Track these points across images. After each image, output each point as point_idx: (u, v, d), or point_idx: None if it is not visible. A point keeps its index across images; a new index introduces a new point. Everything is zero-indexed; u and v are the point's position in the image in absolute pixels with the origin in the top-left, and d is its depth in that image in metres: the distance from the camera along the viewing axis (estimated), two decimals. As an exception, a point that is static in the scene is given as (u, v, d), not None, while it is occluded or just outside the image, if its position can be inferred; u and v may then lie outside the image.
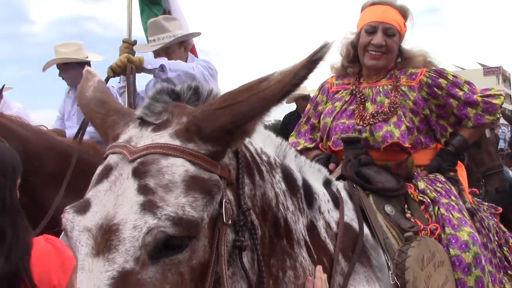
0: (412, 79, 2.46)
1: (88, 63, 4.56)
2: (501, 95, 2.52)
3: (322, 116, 2.56)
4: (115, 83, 4.43)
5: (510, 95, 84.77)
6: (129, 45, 3.87)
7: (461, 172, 2.64)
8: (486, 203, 2.90)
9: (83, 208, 1.16)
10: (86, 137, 4.02)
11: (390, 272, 1.86)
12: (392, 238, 2.00)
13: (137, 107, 4.00)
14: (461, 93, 2.44)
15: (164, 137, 1.20)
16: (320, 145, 2.59)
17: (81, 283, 1.09)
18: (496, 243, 2.54)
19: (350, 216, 1.91)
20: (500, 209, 2.99)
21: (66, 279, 1.81)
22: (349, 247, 1.79)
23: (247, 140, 1.40)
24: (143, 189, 1.12)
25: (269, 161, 1.52)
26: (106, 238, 1.08)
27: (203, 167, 1.18)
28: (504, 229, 2.75)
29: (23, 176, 2.67)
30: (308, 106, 2.75)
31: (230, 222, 1.20)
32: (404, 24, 2.53)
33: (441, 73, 2.47)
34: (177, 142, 1.19)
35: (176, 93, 1.33)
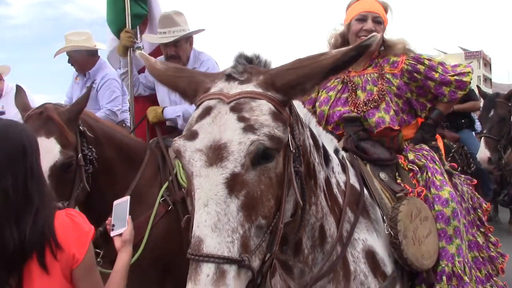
0: (395, 67, 2.84)
1: (96, 52, 4.92)
2: (469, 72, 2.96)
3: (317, 104, 2.94)
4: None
5: (491, 79, 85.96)
6: (131, 34, 4.26)
7: (438, 142, 3.10)
8: (463, 176, 3.35)
9: (192, 136, 1.55)
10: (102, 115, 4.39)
11: (385, 224, 2.29)
12: (386, 198, 2.43)
13: (135, 90, 4.38)
14: (436, 75, 2.85)
15: (250, 87, 1.61)
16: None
17: (200, 185, 1.48)
18: (471, 205, 2.99)
19: (353, 179, 2.31)
20: (475, 181, 3.46)
21: (83, 251, 1.98)
22: (353, 203, 2.20)
23: None
24: (242, 119, 1.52)
25: (302, 120, 1.90)
26: (217, 153, 1.48)
27: (278, 108, 1.60)
28: (478, 196, 3.20)
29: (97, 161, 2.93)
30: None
31: (294, 149, 1.64)
32: (385, 17, 2.92)
33: (418, 60, 2.87)
34: (260, 90, 1.60)
35: (249, 58, 1.73)
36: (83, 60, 4.88)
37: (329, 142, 2.27)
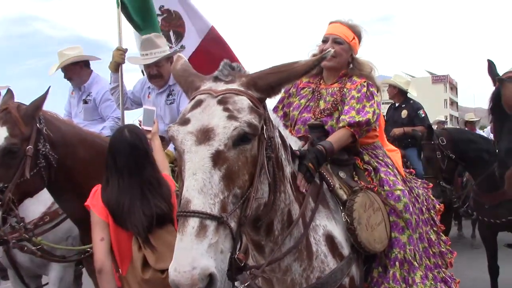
0: (353, 84, 3.13)
1: (89, 63, 5.22)
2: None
3: (291, 108, 3.28)
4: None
5: (457, 103, 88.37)
6: (122, 52, 4.61)
7: (396, 154, 3.46)
8: (420, 180, 3.71)
9: (185, 122, 1.90)
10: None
11: (342, 213, 2.64)
12: (344, 193, 2.76)
13: (124, 103, 4.71)
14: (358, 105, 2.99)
15: (234, 86, 1.99)
16: (289, 129, 3.26)
17: (190, 159, 1.82)
18: (425, 207, 3.33)
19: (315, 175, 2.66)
20: (431, 185, 3.83)
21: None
22: (315, 194, 2.56)
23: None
24: (227, 109, 1.88)
25: (273, 122, 2.25)
26: (205, 135, 1.83)
27: (255, 104, 1.97)
28: (433, 198, 3.56)
29: (61, 161, 3.35)
30: (283, 94, 3.36)
31: (266, 139, 2.00)
32: (354, 38, 3.21)
33: (368, 85, 3.06)
34: (242, 89, 1.99)
35: (232, 66, 2.10)
36: (80, 73, 5.15)
37: (294, 143, 2.62)
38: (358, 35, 3.26)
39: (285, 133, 2.49)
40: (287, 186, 2.29)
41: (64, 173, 3.39)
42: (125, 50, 4.66)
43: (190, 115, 1.92)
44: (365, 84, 3.08)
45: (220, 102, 1.92)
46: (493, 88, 3.57)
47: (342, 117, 2.96)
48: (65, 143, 3.41)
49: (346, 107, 3.00)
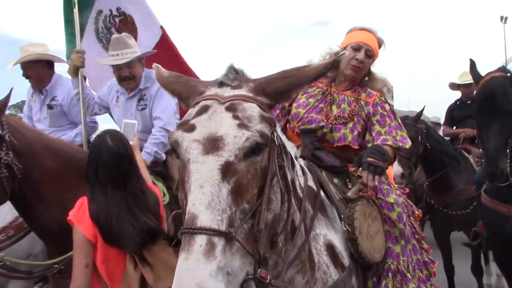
0: (370, 97, 3.08)
1: (53, 64, 4.78)
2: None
3: (295, 104, 3.12)
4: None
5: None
6: (81, 55, 4.28)
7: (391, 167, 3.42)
8: (397, 185, 3.69)
9: (190, 129, 1.73)
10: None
11: (342, 222, 2.55)
12: (340, 201, 2.69)
13: (90, 109, 4.44)
14: (393, 123, 3.09)
15: (242, 92, 1.84)
16: (287, 125, 3.18)
17: (197, 169, 1.65)
18: (406, 214, 3.29)
19: (311, 182, 2.55)
20: (407, 190, 3.82)
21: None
22: (312, 201, 2.45)
23: None
24: (236, 117, 1.72)
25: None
26: (213, 144, 1.66)
27: (266, 111, 1.83)
28: (411, 204, 3.50)
29: (27, 171, 3.06)
30: None
31: (277, 146, 1.88)
32: (377, 52, 3.14)
33: (386, 101, 3.12)
34: (251, 95, 1.84)
35: (237, 70, 1.96)
36: (42, 73, 4.67)
37: (290, 148, 2.50)
38: (380, 47, 3.20)
39: (283, 137, 2.35)
40: (291, 195, 2.16)
41: (31, 184, 3.12)
42: (84, 52, 4.33)
43: (196, 121, 1.75)
44: (383, 99, 3.08)
45: (229, 109, 1.76)
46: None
47: (386, 137, 2.97)
48: (31, 151, 3.13)
49: (382, 127, 3.02)
